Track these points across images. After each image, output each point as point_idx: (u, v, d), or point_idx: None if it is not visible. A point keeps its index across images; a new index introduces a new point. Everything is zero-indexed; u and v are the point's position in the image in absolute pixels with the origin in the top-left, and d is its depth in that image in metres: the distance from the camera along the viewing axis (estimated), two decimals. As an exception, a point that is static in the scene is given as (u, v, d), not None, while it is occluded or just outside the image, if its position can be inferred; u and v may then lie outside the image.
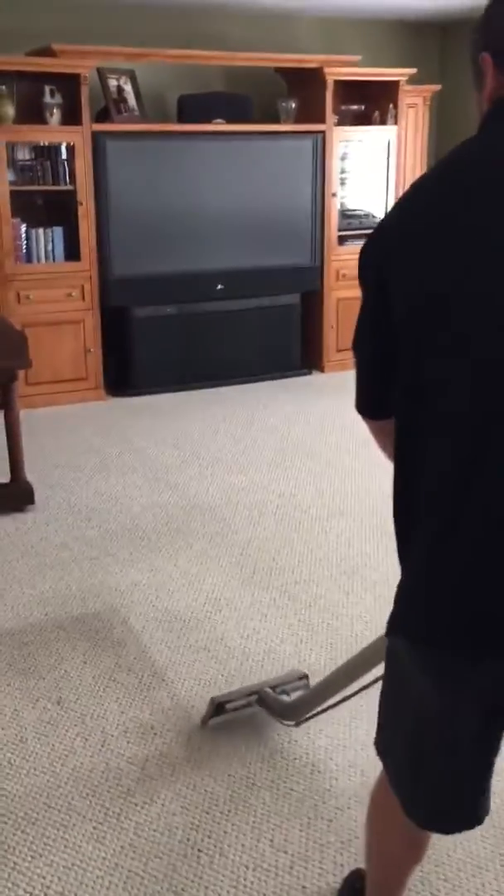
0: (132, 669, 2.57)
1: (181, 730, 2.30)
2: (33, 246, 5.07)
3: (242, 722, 2.30)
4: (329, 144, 5.54)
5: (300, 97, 5.56)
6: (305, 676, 2.41)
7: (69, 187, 5.02)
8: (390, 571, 3.16)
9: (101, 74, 5.06)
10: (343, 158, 5.71)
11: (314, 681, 2.31)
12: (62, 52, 4.78)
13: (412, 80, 5.73)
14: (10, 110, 4.81)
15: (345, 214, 5.80)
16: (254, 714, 2.31)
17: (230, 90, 5.55)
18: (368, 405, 1.28)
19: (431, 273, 1.09)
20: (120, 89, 5.16)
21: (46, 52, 4.82)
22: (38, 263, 5.09)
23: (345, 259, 5.73)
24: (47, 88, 4.90)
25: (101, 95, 5.10)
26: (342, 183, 5.76)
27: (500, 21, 1.12)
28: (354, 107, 5.73)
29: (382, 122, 5.77)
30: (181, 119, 5.27)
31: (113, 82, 5.14)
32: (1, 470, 3.77)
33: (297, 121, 5.55)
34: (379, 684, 1.36)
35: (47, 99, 4.91)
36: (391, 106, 5.72)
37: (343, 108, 5.67)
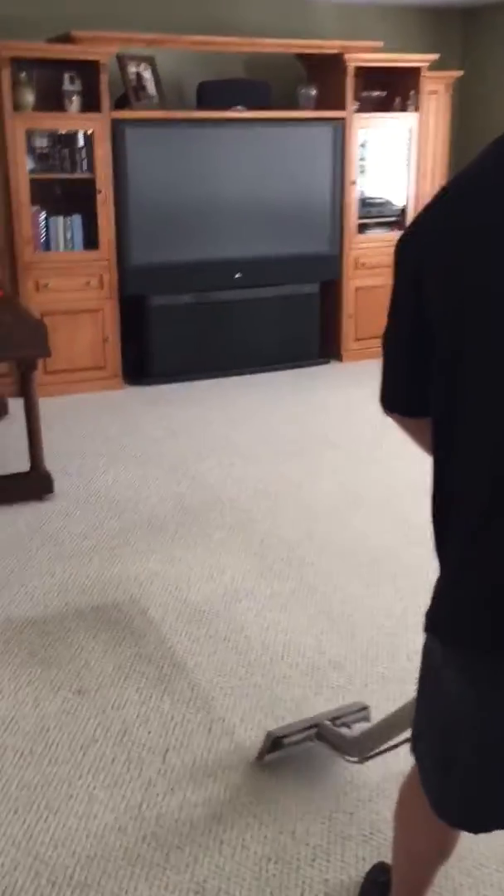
0: (152, 659, 2.57)
1: (201, 720, 2.30)
2: (52, 234, 5.06)
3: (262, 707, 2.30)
4: (349, 131, 5.48)
5: (320, 84, 5.51)
6: (366, 707, 2.24)
7: (88, 175, 5.00)
8: (411, 563, 3.15)
9: (121, 61, 5.03)
10: (363, 145, 5.66)
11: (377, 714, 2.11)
12: (82, 38, 4.76)
13: (434, 66, 5.66)
14: (30, 97, 4.79)
15: (364, 202, 5.75)
16: (312, 749, 2.14)
17: (250, 77, 5.51)
18: (401, 402, 1.25)
19: (475, 269, 1.07)
20: (139, 76, 5.13)
21: (66, 38, 4.79)
22: (57, 252, 5.08)
23: (364, 247, 5.69)
24: (67, 75, 4.88)
25: (121, 82, 5.07)
26: (362, 170, 5.71)
27: None
28: (375, 93, 5.67)
29: (403, 108, 5.70)
30: (200, 106, 5.23)
31: (132, 69, 5.11)
32: (20, 459, 3.77)
33: (317, 107, 5.50)
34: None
35: (67, 86, 4.88)
36: (412, 92, 5.65)
37: (363, 94, 5.61)
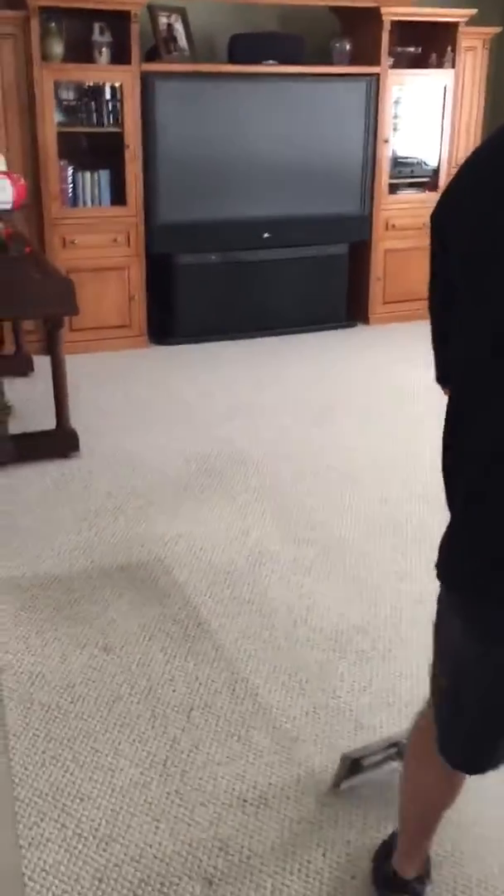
0: (177, 619, 2.59)
1: (226, 681, 2.31)
2: (79, 189, 5.00)
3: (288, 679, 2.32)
4: (383, 88, 5.36)
5: (354, 38, 5.37)
6: None
7: (116, 129, 4.93)
8: (435, 530, 3.12)
9: (152, 12, 4.92)
10: (396, 103, 5.53)
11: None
12: (113, -13, 4.66)
13: (472, 21, 5.50)
14: (59, 48, 4.72)
15: (397, 162, 5.64)
16: (393, 772, 1.91)
17: (283, 30, 5.38)
18: (442, 373, 1.31)
19: (483, 230, 1.11)
20: (170, 27, 5.02)
21: (96, -13, 4.69)
22: (84, 208, 5.03)
23: (395, 209, 5.59)
24: (97, 26, 4.78)
25: (151, 34, 4.97)
26: (395, 129, 5.59)
27: None
28: (410, 49, 5.53)
29: (439, 65, 5.56)
30: (232, 60, 5.12)
31: (163, 20, 5.00)
32: (46, 416, 3.78)
33: (351, 63, 5.37)
34: None
35: (96, 37, 4.79)
36: (448, 49, 5.50)
37: (398, 49, 5.47)
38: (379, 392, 4.54)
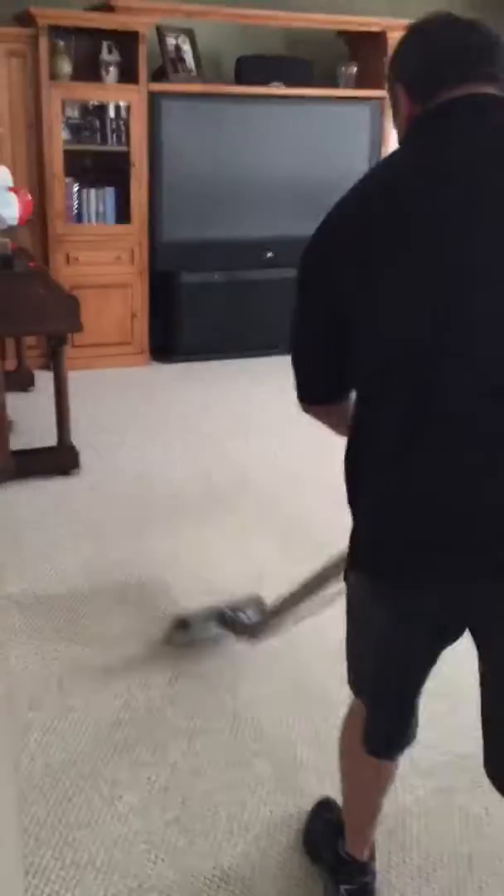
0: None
1: (226, 706, 2.28)
2: (84, 207, 5.02)
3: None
4: (388, 111, 5.37)
5: (361, 61, 5.41)
6: (260, 599, 2.55)
7: (122, 148, 4.95)
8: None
9: (160, 32, 4.96)
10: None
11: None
12: (122, 7, 4.68)
13: None
14: (67, 67, 4.74)
15: (400, 185, 5.66)
16: (217, 634, 2.53)
17: (290, 53, 5.41)
18: (322, 393, 1.43)
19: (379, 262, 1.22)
20: (178, 48, 5.05)
21: (105, 7, 4.72)
22: (89, 224, 5.04)
23: (398, 231, 5.60)
24: (105, 45, 4.81)
25: (158, 54, 5.00)
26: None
27: (407, 58, 1.32)
28: (416, 73, 5.56)
29: (444, 90, 5.59)
30: (239, 81, 5.15)
31: (171, 41, 5.03)
32: (46, 433, 3.76)
33: (358, 86, 5.40)
34: (339, 602, 1.56)
35: (104, 56, 4.82)
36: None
37: (404, 74, 5.50)
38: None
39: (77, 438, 3.77)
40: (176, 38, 5.06)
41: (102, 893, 1.73)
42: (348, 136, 5.35)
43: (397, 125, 1.36)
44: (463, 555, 1.26)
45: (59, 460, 3.69)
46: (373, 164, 5.47)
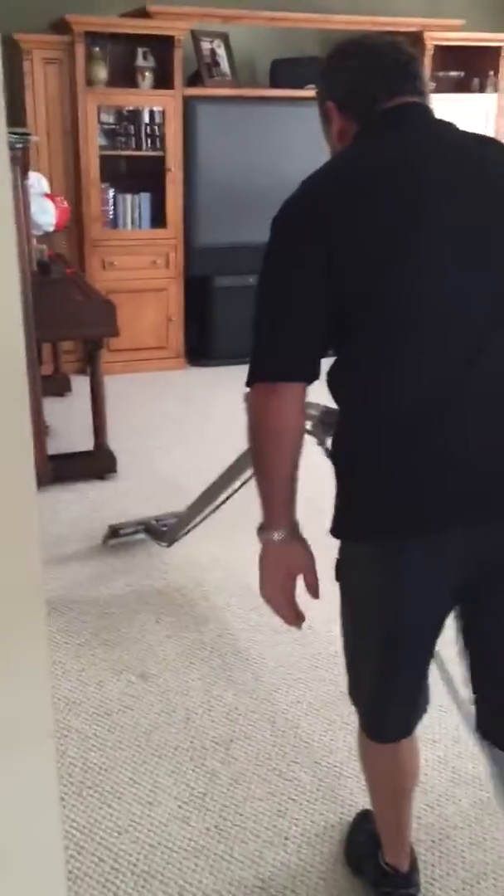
0: (215, 647, 2.54)
1: (265, 713, 2.26)
2: (120, 212, 5.04)
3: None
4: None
5: (396, 63, 5.36)
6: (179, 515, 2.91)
7: (157, 153, 4.96)
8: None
9: (195, 37, 4.96)
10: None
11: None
12: (158, 13, 4.70)
13: (515, 45, 5.48)
14: (103, 73, 4.77)
15: (437, 186, 5.60)
16: (141, 540, 3.08)
17: (325, 55, 5.38)
18: (302, 368, 1.34)
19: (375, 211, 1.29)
20: (213, 52, 5.05)
21: (141, 13, 4.74)
22: (124, 230, 5.06)
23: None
24: (140, 51, 4.83)
25: (194, 59, 5.00)
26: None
27: (336, 79, 1.42)
28: (453, 73, 5.51)
29: (481, 89, 5.53)
30: (273, 84, 5.14)
31: (206, 45, 5.04)
32: (83, 437, 3.77)
33: (393, 87, 5.36)
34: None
35: (140, 62, 4.84)
36: (491, 73, 5.48)
37: (440, 74, 5.45)
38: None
39: (113, 442, 3.78)
40: (211, 42, 5.06)
41: (142, 901, 1.71)
42: (384, 138, 5.31)
43: (328, 136, 1.48)
44: (486, 495, 1.33)
45: (96, 464, 3.70)
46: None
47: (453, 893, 1.75)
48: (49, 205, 4.09)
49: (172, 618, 2.69)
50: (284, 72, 5.13)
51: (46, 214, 4.06)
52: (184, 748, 2.13)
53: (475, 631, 1.45)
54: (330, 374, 1.39)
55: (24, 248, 3.15)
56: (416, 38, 5.18)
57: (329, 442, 1.49)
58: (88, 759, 2.09)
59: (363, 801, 1.95)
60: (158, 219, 5.08)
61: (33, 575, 0.89)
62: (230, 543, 3.16)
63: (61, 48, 4.64)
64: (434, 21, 5.24)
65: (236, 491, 2.50)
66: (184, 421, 4.43)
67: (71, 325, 3.56)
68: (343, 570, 1.46)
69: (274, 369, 1.35)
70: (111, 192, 5.00)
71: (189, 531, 2.85)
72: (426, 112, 1.40)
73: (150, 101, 4.91)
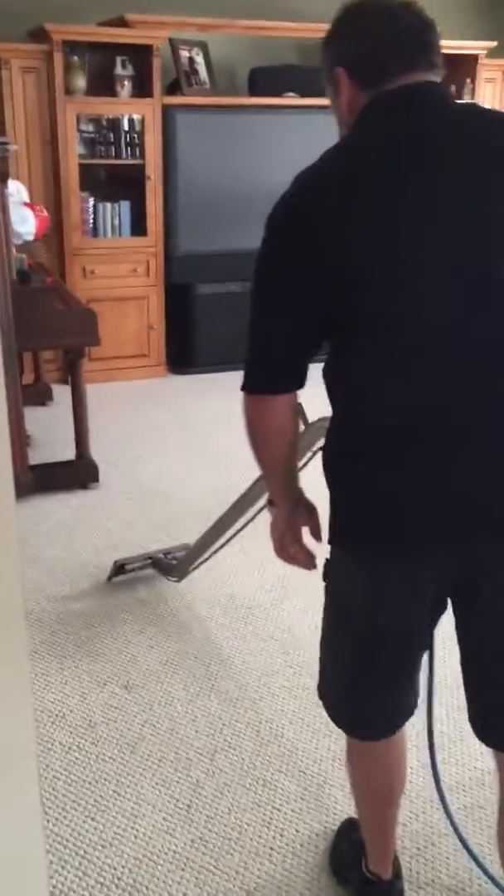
0: (198, 656, 2.53)
1: (250, 721, 2.26)
2: (100, 220, 5.03)
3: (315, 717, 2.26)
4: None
5: (374, 71, 5.40)
6: (189, 546, 2.79)
7: (138, 161, 4.96)
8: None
9: (174, 46, 4.97)
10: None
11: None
12: (135, 22, 4.71)
13: (491, 53, 5.53)
14: (82, 82, 4.76)
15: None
16: (149, 575, 2.91)
17: (303, 63, 5.42)
18: (292, 378, 1.33)
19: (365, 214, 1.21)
20: (191, 61, 5.07)
21: (119, 22, 4.74)
22: (105, 238, 5.05)
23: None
24: (119, 60, 4.84)
25: (172, 68, 5.01)
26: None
27: (346, 42, 1.31)
28: (430, 81, 5.55)
29: (458, 96, 5.57)
30: (252, 92, 5.16)
31: (185, 54, 5.05)
32: (65, 446, 3.76)
33: (371, 95, 5.39)
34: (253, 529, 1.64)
35: (118, 70, 4.84)
36: (468, 80, 5.53)
37: (418, 82, 5.49)
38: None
39: (95, 451, 3.77)
40: (189, 51, 5.07)
41: (127, 915, 1.70)
42: (363, 145, 5.34)
43: (337, 110, 1.35)
44: (469, 509, 1.30)
45: (77, 474, 3.68)
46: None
47: (439, 901, 1.74)
48: (29, 214, 4.08)
49: (155, 628, 2.68)
50: (263, 80, 5.15)
51: (26, 223, 4.04)
52: (168, 759, 2.12)
53: (464, 635, 1.45)
54: (324, 370, 1.37)
55: (4, 257, 3.14)
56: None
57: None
58: (72, 772, 2.07)
59: (349, 809, 1.95)
60: (138, 227, 5.08)
61: (12, 586, 0.88)
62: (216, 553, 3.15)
63: (40, 57, 4.63)
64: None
65: (249, 522, 2.43)
66: (166, 429, 4.42)
67: (52, 333, 3.54)
68: (327, 570, 1.48)
69: (264, 382, 1.35)
70: (91, 201, 4.99)
71: (200, 565, 2.70)
72: (439, 96, 1.28)
73: (129, 109, 4.91)
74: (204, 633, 2.66)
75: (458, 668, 1.48)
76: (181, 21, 4.85)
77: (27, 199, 4.22)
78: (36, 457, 3.71)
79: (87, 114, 4.87)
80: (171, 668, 2.48)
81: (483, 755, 2.04)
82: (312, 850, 1.86)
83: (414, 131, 1.23)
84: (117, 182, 5.10)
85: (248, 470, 3.89)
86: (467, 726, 1.51)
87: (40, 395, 4.69)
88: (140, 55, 4.81)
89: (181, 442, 4.24)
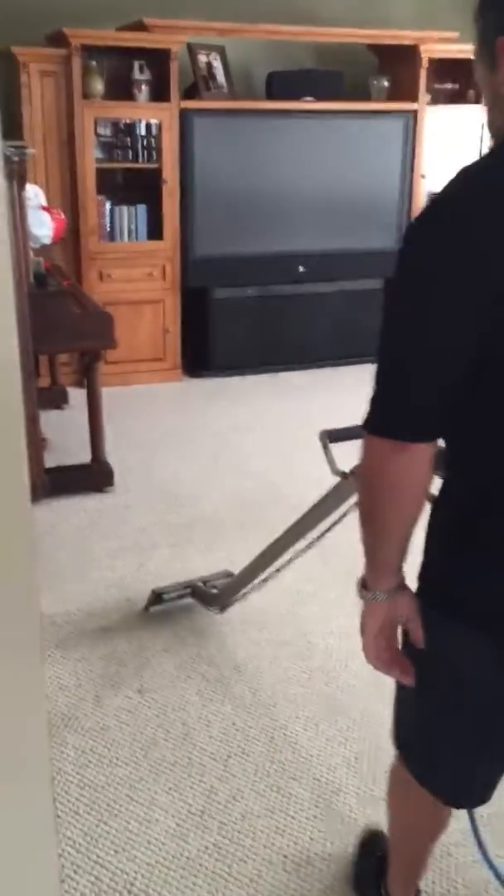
0: (213, 662, 2.52)
1: (264, 727, 2.24)
2: (116, 224, 5.04)
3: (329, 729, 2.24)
4: (420, 124, 5.36)
5: (392, 74, 5.39)
6: (231, 574, 2.70)
7: (155, 165, 4.97)
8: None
9: (192, 50, 4.98)
10: (434, 138, 5.52)
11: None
12: (154, 26, 4.72)
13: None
14: (100, 86, 4.77)
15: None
16: (188, 604, 2.75)
17: (321, 67, 5.41)
18: (433, 425, 1.10)
19: None
20: (209, 65, 5.07)
21: (137, 27, 4.75)
22: (121, 242, 5.06)
23: (431, 244, 5.55)
24: (136, 64, 4.84)
25: (190, 72, 5.02)
26: (432, 165, 5.57)
27: None
28: (448, 85, 5.53)
29: (477, 101, 5.55)
30: (270, 96, 5.15)
31: (203, 58, 5.05)
32: (80, 450, 3.76)
33: (389, 99, 5.38)
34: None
35: (136, 75, 4.85)
36: None
37: (436, 86, 5.47)
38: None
39: (111, 455, 3.77)
40: (207, 55, 5.08)
41: (140, 921, 1.69)
42: (380, 150, 5.33)
43: (492, 88, 1.09)
44: None
45: (93, 477, 3.68)
46: (405, 177, 5.47)
47: (455, 912, 1.72)
48: (46, 217, 4.09)
49: (170, 632, 2.67)
50: (280, 84, 5.14)
51: (43, 227, 4.05)
52: (181, 764, 2.11)
53: None
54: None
55: (22, 260, 3.14)
56: (411, 51, 5.20)
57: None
58: (85, 776, 2.07)
59: (363, 818, 1.94)
60: (155, 231, 5.08)
61: (28, 588, 0.88)
62: (229, 555, 3.13)
63: (58, 61, 4.65)
64: (429, 34, 5.26)
65: (301, 553, 2.32)
66: (181, 433, 4.41)
67: (68, 337, 3.55)
68: (410, 638, 1.27)
69: (404, 427, 1.09)
70: (108, 205, 5.00)
71: (244, 595, 2.51)
72: None
73: (146, 113, 4.92)
74: (219, 638, 2.64)
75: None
76: (199, 26, 4.86)
77: (44, 203, 4.24)
78: (51, 460, 3.71)
79: (104, 118, 4.88)
80: (185, 672, 2.47)
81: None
82: (326, 858, 1.84)
83: None
84: (134, 186, 5.11)
85: (261, 474, 3.90)
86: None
87: (56, 399, 4.69)
88: (158, 59, 4.82)
89: (196, 446, 4.24)
